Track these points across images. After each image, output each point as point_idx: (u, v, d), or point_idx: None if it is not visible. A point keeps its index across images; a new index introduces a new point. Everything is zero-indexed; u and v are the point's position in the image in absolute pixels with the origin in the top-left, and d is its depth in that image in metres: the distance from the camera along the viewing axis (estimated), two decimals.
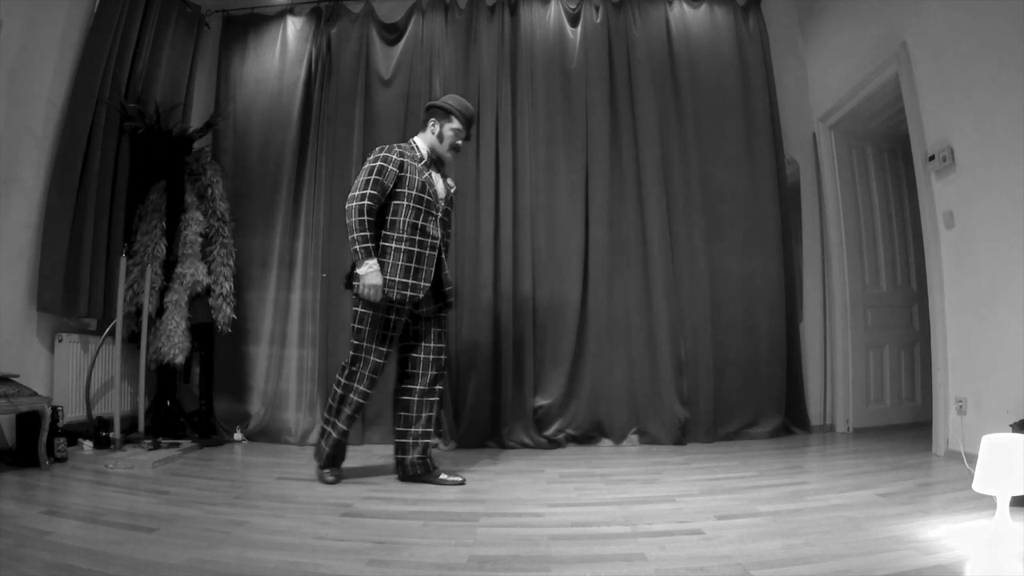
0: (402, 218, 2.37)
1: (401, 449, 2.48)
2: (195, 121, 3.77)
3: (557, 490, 2.30)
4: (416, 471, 2.46)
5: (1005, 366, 2.41)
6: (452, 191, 2.60)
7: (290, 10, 3.96)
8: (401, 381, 2.50)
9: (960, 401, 2.68)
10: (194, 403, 3.51)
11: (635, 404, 3.44)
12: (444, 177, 2.56)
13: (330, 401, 2.46)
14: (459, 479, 2.44)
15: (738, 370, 3.51)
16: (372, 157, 2.40)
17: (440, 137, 2.50)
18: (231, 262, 3.50)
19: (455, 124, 2.49)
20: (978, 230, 2.60)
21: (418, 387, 2.46)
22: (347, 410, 2.40)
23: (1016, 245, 2.36)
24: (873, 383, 3.72)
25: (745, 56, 3.78)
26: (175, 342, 3.21)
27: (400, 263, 2.34)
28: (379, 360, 2.39)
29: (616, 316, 3.50)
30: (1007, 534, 1.61)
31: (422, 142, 2.52)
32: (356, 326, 2.39)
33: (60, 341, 2.98)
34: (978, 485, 1.76)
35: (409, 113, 3.71)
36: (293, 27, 3.93)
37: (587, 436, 3.40)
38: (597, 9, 3.78)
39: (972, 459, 2.04)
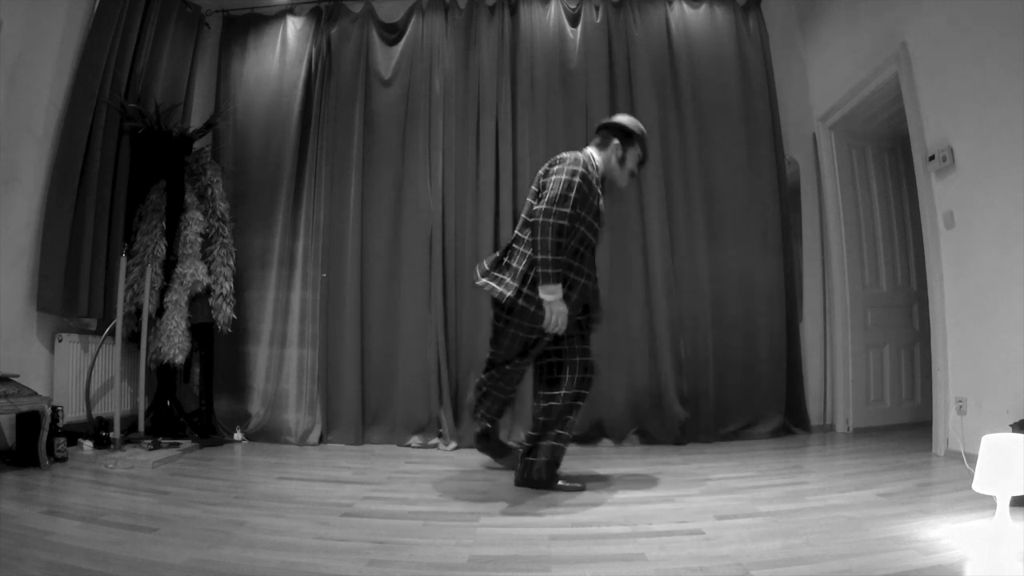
0: (585, 244, 2.21)
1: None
2: (195, 121, 3.77)
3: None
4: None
5: (1005, 366, 2.41)
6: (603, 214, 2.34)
7: (290, 10, 3.96)
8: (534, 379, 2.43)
9: (960, 401, 2.68)
10: (194, 403, 3.51)
11: (635, 404, 3.44)
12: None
13: (542, 418, 2.28)
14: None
15: (738, 370, 3.51)
16: (570, 168, 2.16)
17: (622, 161, 2.35)
18: (231, 262, 3.50)
19: (638, 150, 2.36)
20: (978, 230, 2.60)
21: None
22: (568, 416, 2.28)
23: (1016, 245, 2.36)
24: (873, 383, 3.72)
25: (745, 56, 3.78)
26: (175, 342, 3.21)
27: (579, 287, 2.20)
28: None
29: (616, 315, 3.49)
30: (1007, 534, 1.61)
31: (600, 160, 2.33)
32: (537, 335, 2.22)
33: (60, 341, 2.98)
34: (978, 485, 1.76)
35: (409, 113, 3.71)
36: (293, 27, 3.93)
37: (587, 436, 3.40)
38: (597, 9, 3.78)
39: (972, 459, 2.04)
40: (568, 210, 2.09)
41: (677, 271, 3.53)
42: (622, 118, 2.44)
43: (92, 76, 3.06)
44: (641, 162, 2.42)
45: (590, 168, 2.23)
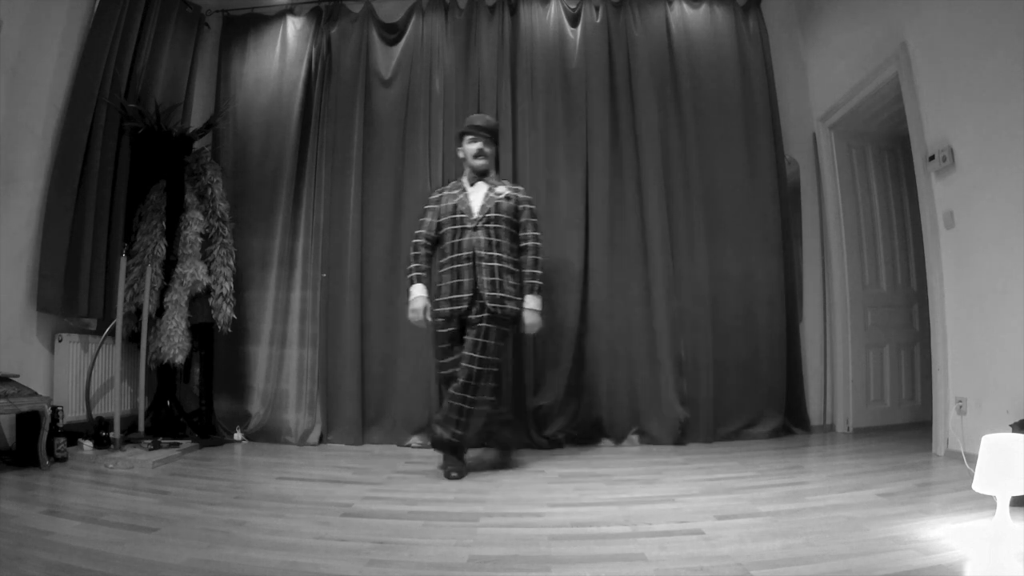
0: (446, 242, 2.68)
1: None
2: (195, 121, 3.76)
3: (557, 490, 2.29)
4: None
5: (1005, 366, 2.41)
6: (502, 196, 2.70)
7: (290, 10, 3.96)
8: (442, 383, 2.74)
9: (960, 401, 2.68)
10: (194, 403, 3.51)
11: (635, 404, 3.44)
12: (492, 188, 2.71)
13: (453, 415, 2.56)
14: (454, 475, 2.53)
15: (738, 370, 3.51)
16: None
17: (465, 156, 2.78)
18: (231, 262, 3.50)
19: (467, 139, 2.76)
20: (978, 230, 2.60)
21: (450, 390, 2.57)
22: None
23: (1016, 245, 2.36)
24: (873, 383, 3.72)
25: (745, 56, 3.77)
26: (175, 342, 3.21)
27: (447, 282, 2.62)
28: (448, 372, 2.60)
29: (616, 315, 3.50)
30: (1007, 534, 1.61)
31: (465, 170, 2.80)
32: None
33: (60, 341, 2.98)
34: (978, 485, 1.76)
35: (409, 113, 3.71)
36: (293, 27, 3.93)
37: (587, 436, 3.40)
38: (597, 9, 3.78)
39: (972, 459, 2.04)
40: (417, 231, 2.80)
41: (677, 271, 3.53)
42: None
43: (92, 76, 3.06)
44: (488, 140, 2.76)
45: (436, 192, 2.84)
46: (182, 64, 3.77)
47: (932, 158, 2.82)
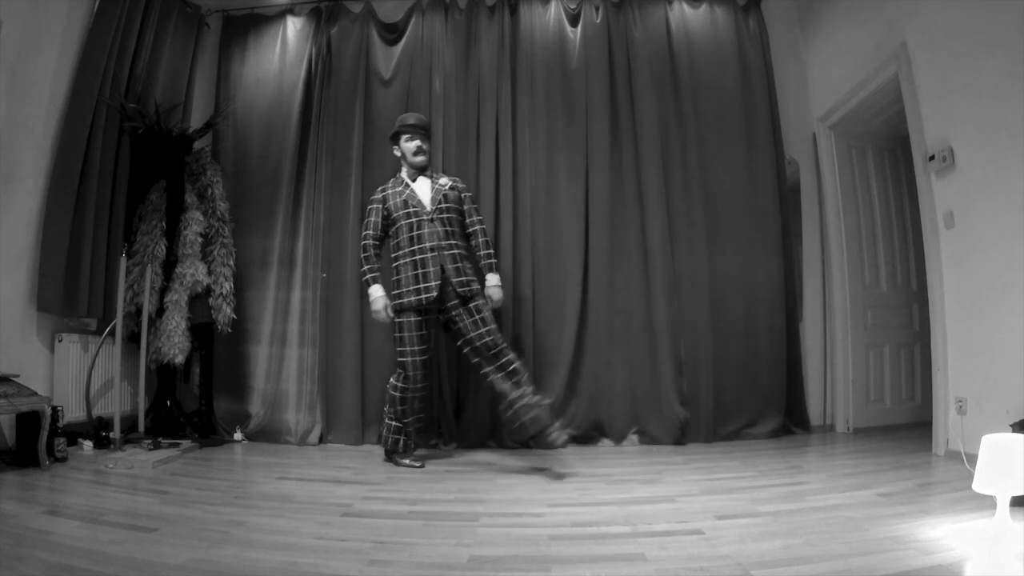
0: (402, 236, 2.79)
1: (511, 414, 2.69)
2: (195, 121, 3.76)
3: (557, 490, 2.30)
4: (525, 431, 2.65)
5: (1005, 366, 2.41)
6: (447, 187, 2.89)
7: (290, 10, 3.95)
8: (479, 369, 2.75)
9: (960, 401, 2.68)
10: (194, 403, 3.51)
11: (635, 404, 3.44)
12: (435, 181, 2.89)
13: (388, 406, 2.84)
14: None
15: (738, 370, 3.51)
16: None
17: (403, 154, 2.91)
18: (231, 262, 3.50)
19: (404, 138, 2.90)
20: (978, 230, 2.60)
21: (489, 369, 2.69)
22: (405, 407, 2.80)
23: (1016, 245, 2.36)
24: (873, 383, 3.72)
25: (745, 56, 3.77)
26: (175, 342, 3.21)
27: (409, 273, 2.74)
28: (422, 358, 2.77)
29: (616, 316, 3.50)
30: (1007, 534, 1.61)
31: (403, 168, 2.95)
32: (396, 335, 2.80)
33: (60, 341, 2.98)
34: (978, 485, 1.76)
35: (409, 113, 3.70)
36: (293, 27, 3.92)
37: (587, 436, 3.40)
38: (597, 9, 3.78)
39: (972, 459, 2.04)
40: (364, 231, 2.95)
41: (677, 271, 3.53)
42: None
43: (92, 76, 3.06)
44: (423, 136, 2.91)
45: (378, 193, 2.93)
46: (182, 64, 3.77)
47: (932, 158, 2.82)
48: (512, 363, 2.67)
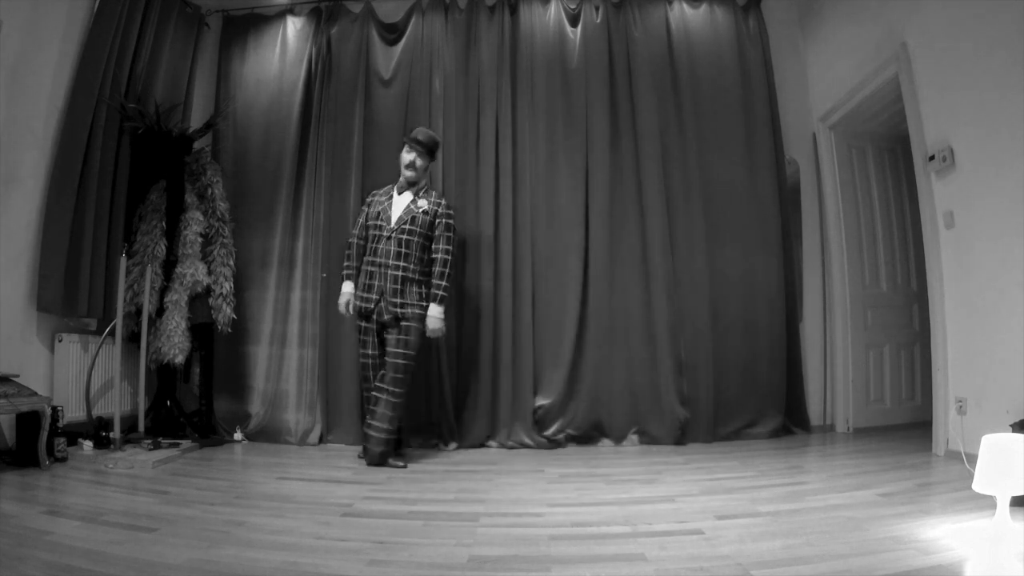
0: (369, 244, 2.91)
1: (364, 438, 2.87)
2: (195, 121, 3.76)
3: (557, 490, 2.30)
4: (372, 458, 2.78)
5: (1005, 366, 2.41)
6: (421, 210, 2.87)
7: (290, 10, 3.95)
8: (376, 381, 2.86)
9: (960, 401, 2.68)
10: (194, 403, 3.51)
11: (635, 404, 3.44)
12: (415, 201, 2.90)
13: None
14: (401, 464, 2.78)
15: (738, 370, 3.51)
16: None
17: (401, 166, 2.95)
18: (231, 262, 3.50)
19: (404, 148, 2.94)
20: (978, 230, 2.60)
21: (379, 386, 2.80)
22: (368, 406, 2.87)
23: (1016, 245, 2.36)
24: (873, 383, 3.72)
25: (745, 56, 3.77)
26: (175, 342, 3.21)
27: (363, 281, 2.89)
28: (363, 360, 2.91)
29: (616, 316, 3.50)
30: (1007, 534, 1.61)
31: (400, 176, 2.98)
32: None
33: (60, 341, 2.98)
34: (978, 485, 1.76)
35: (409, 113, 3.71)
36: (293, 27, 3.92)
37: (587, 436, 3.40)
38: (597, 9, 3.78)
39: (972, 459, 2.04)
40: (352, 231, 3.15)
41: (677, 271, 3.53)
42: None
43: (92, 76, 3.06)
44: (424, 152, 2.93)
45: (372, 196, 3.06)
46: (182, 64, 3.77)
47: (932, 158, 2.82)
48: (385, 398, 2.75)
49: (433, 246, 2.89)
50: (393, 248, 2.82)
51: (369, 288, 2.84)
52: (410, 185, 2.93)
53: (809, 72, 3.98)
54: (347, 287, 2.96)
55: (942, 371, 2.83)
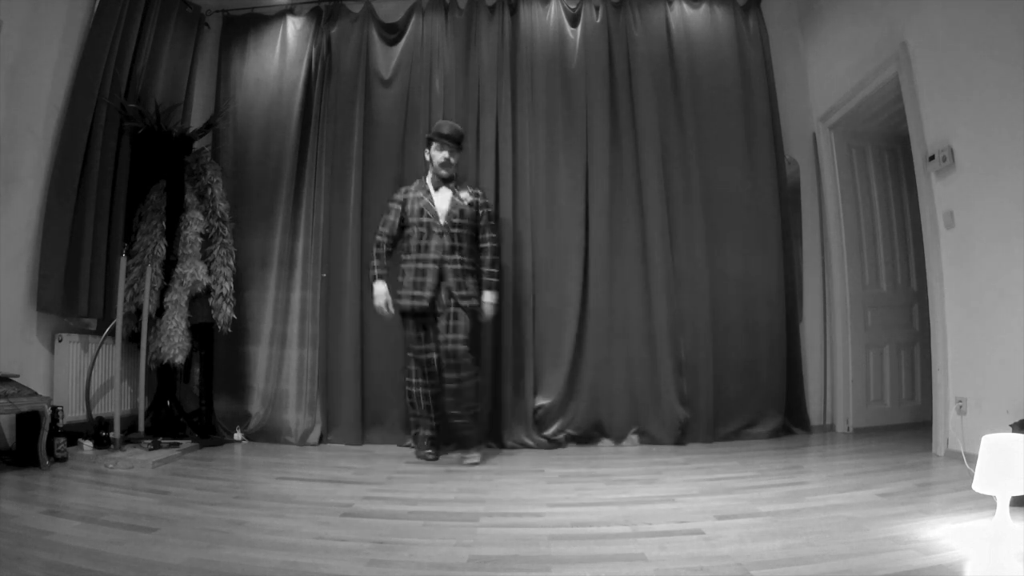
0: (412, 241, 2.92)
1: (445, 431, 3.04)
2: (195, 121, 3.76)
3: (557, 490, 2.30)
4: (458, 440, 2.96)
5: (1005, 366, 2.41)
6: (466, 203, 2.95)
7: (290, 10, 3.95)
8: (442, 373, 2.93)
9: (960, 401, 2.68)
10: (194, 403, 3.51)
11: (635, 404, 3.44)
12: (456, 195, 2.95)
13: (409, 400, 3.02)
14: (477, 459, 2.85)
15: (738, 370, 3.51)
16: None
17: (431, 161, 2.97)
18: (231, 262, 3.50)
19: (435, 146, 2.95)
20: (978, 230, 2.60)
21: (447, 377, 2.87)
22: (412, 400, 2.98)
23: (1016, 245, 2.36)
24: (873, 383, 3.72)
25: (745, 56, 3.77)
26: (175, 342, 3.21)
27: (409, 279, 2.88)
28: (423, 356, 2.92)
29: (616, 316, 3.50)
30: (1007, 534, 1.61)
31: (428, 172, 3.01)
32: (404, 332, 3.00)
33: (60, 341, 2.98)
34: (978, 485, 1.76)
35: (409, 113, 3.71)
36: (293, 27, 3.92)
37: (587, 436, 3.40)
38: (597, 9, 3.78)
39: (972, 459, 2.04)
40: (380, 229, 3.05)
41: (677, 271, 3.53)
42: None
43: (92, 76, 3.06)
44: (456, 148, 2.97)
45: (400, 193, 3.04)
46: (182, 64, 3.77)
47: (932, 158, 2.82)
48: (458, 384, 2.83)
49: (480, 236, 2.99)
50: (447, 243, 2.87)
51: (420, 286, 2.85)
52: (446, 181, 2.97)
53: (809, 72, 3.98)
54: (381, 287, 2.94)
55: (942, 371, 2.83)
